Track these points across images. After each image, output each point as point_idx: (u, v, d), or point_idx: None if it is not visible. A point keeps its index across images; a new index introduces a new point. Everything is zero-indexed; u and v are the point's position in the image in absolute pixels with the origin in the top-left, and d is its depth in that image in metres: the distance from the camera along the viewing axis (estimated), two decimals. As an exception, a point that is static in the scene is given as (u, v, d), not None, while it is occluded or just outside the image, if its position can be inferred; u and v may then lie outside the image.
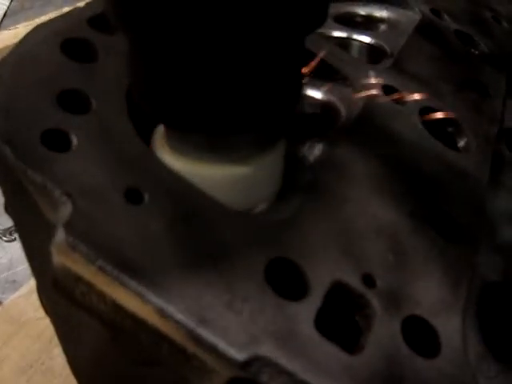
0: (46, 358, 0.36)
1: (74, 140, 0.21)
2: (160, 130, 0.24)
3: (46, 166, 0.20)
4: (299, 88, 0.23)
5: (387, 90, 0.32)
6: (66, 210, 0.19)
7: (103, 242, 0.19)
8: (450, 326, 0.22)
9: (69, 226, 0.19)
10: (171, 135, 0.23)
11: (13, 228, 0.76)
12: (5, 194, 0.24)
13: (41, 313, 0.39)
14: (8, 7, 1.53)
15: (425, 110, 0.32)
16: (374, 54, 0.39)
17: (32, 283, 0.42)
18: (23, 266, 0.70)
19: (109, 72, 0.24)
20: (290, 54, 0.22)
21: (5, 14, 1.50)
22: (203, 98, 0.21)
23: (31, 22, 1.33)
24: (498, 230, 0.29)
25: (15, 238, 0.75)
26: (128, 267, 0.18)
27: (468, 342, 0.22)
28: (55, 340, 0.35)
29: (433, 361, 0.21)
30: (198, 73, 0.20)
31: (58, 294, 0.20)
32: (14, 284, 0.67)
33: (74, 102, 0.23)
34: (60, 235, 0.19)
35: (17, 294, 0.42)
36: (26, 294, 0.41)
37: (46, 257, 0.19)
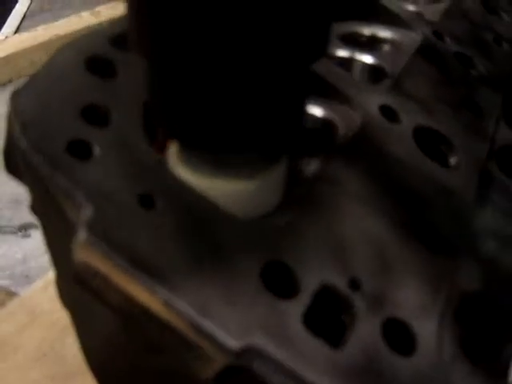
0: (59, 347, 0.39)
1: (96, 150, 0.24)
2: (173, 144, 0.26)
3: (71, 173, 0.23)
4: (303, 112, 0.26)
5: (384, 110, 0.34)
6: (87, 212, 0.22)
7: (119, 241, 0.21)
8: (426, 329, 0.24)
9: (89, 227, 0.21)
10: (183, 151, 0.25)
11: (28, 225, 0.79)
12: (32, 196, 0.27)
13: (55, 305, 0.41)
14: (28, 8, 1.56)
15: (419, 128, 0.35)
16: (375, 74, 0.41)
17: (48, 277, 0.45)
18: (36, 262, 0.73)
19: (128, 88, 0.27)
20: (294, 82, 0.24)
21: (24, 16, 1.53)
22: (210, 122, 0.23)
23: (50, 25, 1.36)
24: (481, 243, 0.31)
25: (30, 235, 0.78)
26: (140, 264, 0.21)
27: (443, 344, 0.24)
28: (68, 330, 0.38)
29: (409, 358, 0.23)
30: (205, 100, 0.23)
31: (77, 286, 0.22)
32: (28, 278, 0.70)
33: (96, 115, 0.25)
34: (81, 234, 0.21)
35: (33, 286, 0.45)
36: (42, 287, 0.44)
37: (67, 253, 0.22)
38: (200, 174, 0.25)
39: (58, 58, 0.27)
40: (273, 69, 0.22)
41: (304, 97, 0.25)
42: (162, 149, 0.26)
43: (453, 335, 0.25)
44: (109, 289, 0.21)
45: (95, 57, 0.28)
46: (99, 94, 0.26)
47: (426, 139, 0.34)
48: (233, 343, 0.20)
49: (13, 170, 0.27)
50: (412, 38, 0.46)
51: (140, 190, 0.23)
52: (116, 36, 0.29)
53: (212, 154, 0.25)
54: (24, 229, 0.78)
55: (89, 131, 0.24)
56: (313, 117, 0.33)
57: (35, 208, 0.28)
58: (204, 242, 0.22)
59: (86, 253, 0.21)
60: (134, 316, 0.21)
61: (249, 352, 0.20)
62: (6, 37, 1.39)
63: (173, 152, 0.26)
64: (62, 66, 0.27)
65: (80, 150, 0.24)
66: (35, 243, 0.77)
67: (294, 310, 0.22)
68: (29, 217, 0.82)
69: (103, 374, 0.31)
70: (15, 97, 0.25)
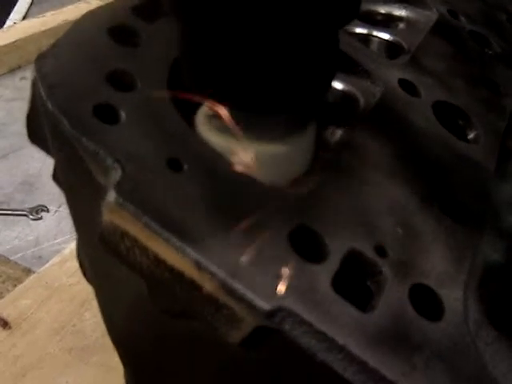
0: (77, 320, 0.39)
1: (122, 114, 0.24)
2: (203, 110, 0.26)
3: (99, 136, 0.23)
4: (331, 77, 0.26)
5: (403, 83, 0.34)
6: (115, 175, 0.22)
7: (148, 202, 0.21)
8: (452, 295, 0.24)
9: (118, 188, 0.21)
10: (214, 115, 0.25)
11: (39, 207, 0.80)
12: (57, 161, 0.27)
13: (73, 279, 0.42)
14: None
15: (438, 103, 0.35)
16: (392, 50, 0.41)
17: (64, 253, 0.45)
18: (49, 244, 0.73)
19: (151, 56, 0.27)
20: (325, 46, 0.24)
21: (32, 2, 1.53)
22: (245, 81, 0.23)
23: (58, 11, 1.36)
24: (502, 215, 0.31)
25: (42, 217, 0.79)
26: (170, 225, 0.21)
27: (468, 311, 0.24)
28: (86, 304, 0.38)
29: (436, 323, 0.23)
30: (241, 59, 0.23)
31: (104, 250, 0.22)
32: (41, 259, 0.70)
33: (121, 80, 0.25)
34: (111, 196, 0.21)
35: (51, 262, 0.45)
36: (60, 262, 0.44)
37: (95, 217, 0.22)
38: (229, 138, 0.25)
39: (80, 27, 0.27)
40: (308, 28, 0.22)
41: (333, 61, 0.25)
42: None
43: (478, 304, 0.25)
44: (137, 251, 0.21)
45: (118, 25, 0.27)
46: (123, 61, 0.26)
47: (445, 114, 0.34)
48: (264, 304, 0.20)
49: (36, 137, 0.27)
50: (427, 17, 0.46)
51: (167, 153, 0.23)
52: (138, 6, 0.29)
53: (243, 114, 0.24)
54: (36, 211, 0.79)
55: (115, 96, 0.24)
56: (335, 90, 0.33)
57: (58, 177, 0.28)
58: (231, 205, 0.22)
59: (115, 214, 0.21)
60: (162, 279, 0.21)
61: (280, 313, 0.20)
62: (15, 23, 1.39)
63: (202, 116, 0.26)
64: (84, 34, 0.27)
65: (106, 114, 0.24)
66: (47, 226, 0.77)
67: (324, 273, 0.22)
68: (40, 200, 0.82)
69: (127, 346, 0.31)
70: (40, 60, 0.25)
